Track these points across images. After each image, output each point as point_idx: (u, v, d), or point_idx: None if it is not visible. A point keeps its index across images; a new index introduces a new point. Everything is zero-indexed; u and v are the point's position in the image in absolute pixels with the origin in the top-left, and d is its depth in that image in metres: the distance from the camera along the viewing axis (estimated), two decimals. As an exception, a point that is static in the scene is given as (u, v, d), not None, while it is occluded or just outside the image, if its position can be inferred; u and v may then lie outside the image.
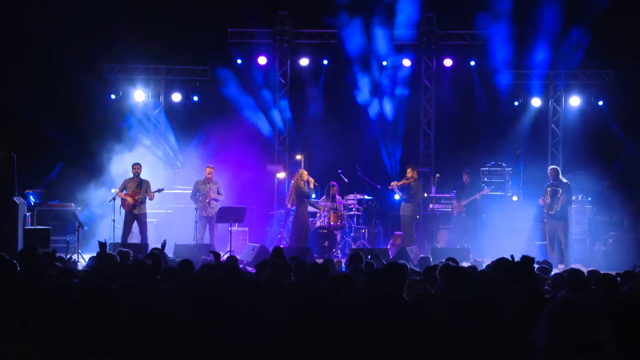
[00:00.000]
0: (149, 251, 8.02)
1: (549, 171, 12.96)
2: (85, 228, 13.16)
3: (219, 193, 13.18)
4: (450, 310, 4.17)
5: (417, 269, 7.69)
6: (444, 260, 6.74)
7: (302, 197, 13.03)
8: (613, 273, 6.52)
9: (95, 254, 7.34)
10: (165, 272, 5.97)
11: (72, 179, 15.05)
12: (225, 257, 10.69)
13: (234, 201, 14.29)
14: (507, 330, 3.89)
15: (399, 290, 4.76)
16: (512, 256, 4.72)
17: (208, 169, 13.20)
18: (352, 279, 4.70)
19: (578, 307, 3.11)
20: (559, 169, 13.05)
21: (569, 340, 3.03)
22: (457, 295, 4.43)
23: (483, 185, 13.97)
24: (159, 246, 7.85)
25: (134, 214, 12.73)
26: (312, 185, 13.13)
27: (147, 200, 12.94)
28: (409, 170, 13.42)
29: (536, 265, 8.38)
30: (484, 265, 8.00)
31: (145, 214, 12.92)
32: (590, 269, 7.63)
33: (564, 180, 12.81)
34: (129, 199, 12.66)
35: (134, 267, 6.17)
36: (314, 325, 3.76)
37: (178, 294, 4.36)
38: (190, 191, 13.41)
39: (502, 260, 4.88)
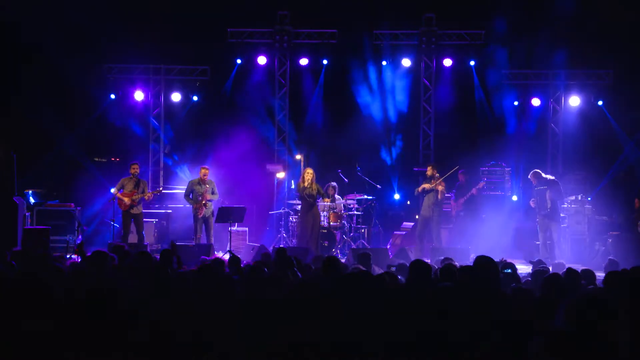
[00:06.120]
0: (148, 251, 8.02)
1: (530, 177, 12.65)
2: (85, 228, 13.16)
3: (212, 193, 13.11)
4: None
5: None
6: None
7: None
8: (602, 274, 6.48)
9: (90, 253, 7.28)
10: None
11: (72, 179, 15.05)
12: (225, 257, 10.69)
13: (234, 201, 14.25)
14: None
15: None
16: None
17: (203, 170, 13.09)
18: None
19: (600, 304, 3.25)
20: (538, 171, 12.63)
21: (587, 334, 3.12)
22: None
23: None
24: (163, 247, 7.85)
25: (131, 214, 12.69)
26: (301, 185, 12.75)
27: (144, 200, 12.92)
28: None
29: (530, 266, 8.44)
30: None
31: (141, 214, 12.91)
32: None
33: (550, 178, 12.57)
34: (126, 199, 12.64)
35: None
36: None
37: None
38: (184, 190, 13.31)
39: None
